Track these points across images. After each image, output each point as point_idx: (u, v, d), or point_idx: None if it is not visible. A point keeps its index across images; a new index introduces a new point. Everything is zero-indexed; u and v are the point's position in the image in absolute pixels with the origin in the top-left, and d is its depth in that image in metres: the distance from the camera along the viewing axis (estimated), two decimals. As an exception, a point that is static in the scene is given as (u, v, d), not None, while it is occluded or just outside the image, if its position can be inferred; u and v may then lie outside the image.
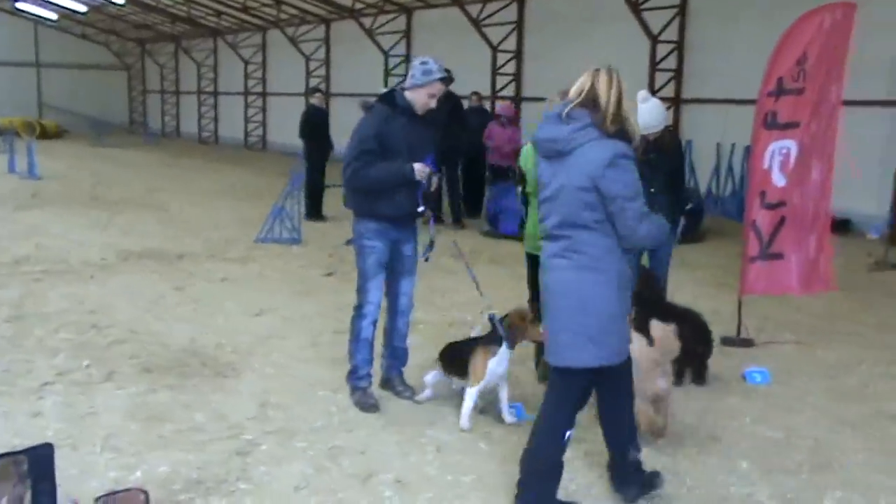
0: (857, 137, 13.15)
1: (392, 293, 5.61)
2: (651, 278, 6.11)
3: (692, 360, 5.86)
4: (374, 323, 5.52)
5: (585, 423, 4.68)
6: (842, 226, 13.11)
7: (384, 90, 5.49)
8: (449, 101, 12.98)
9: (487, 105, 17.09)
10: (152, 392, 5.56)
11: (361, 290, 5.46)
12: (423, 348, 6.26)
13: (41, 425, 4.96)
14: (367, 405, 5.41)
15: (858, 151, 13.15)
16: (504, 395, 5.28)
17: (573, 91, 3.82)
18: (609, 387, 4.14)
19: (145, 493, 2.38)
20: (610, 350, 3.92)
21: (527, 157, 5.66)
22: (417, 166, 5.21)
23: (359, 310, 5.49)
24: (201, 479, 4.34)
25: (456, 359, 5.33)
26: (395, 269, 5.52)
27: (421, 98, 5.26)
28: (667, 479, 4.50)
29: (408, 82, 5.27)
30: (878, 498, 4.37)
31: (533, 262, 5.54)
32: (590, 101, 3.77)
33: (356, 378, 5.55)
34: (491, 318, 5.20)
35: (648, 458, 4.77)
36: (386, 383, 5.75)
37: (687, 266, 9.08)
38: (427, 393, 5.55)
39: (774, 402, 5.69)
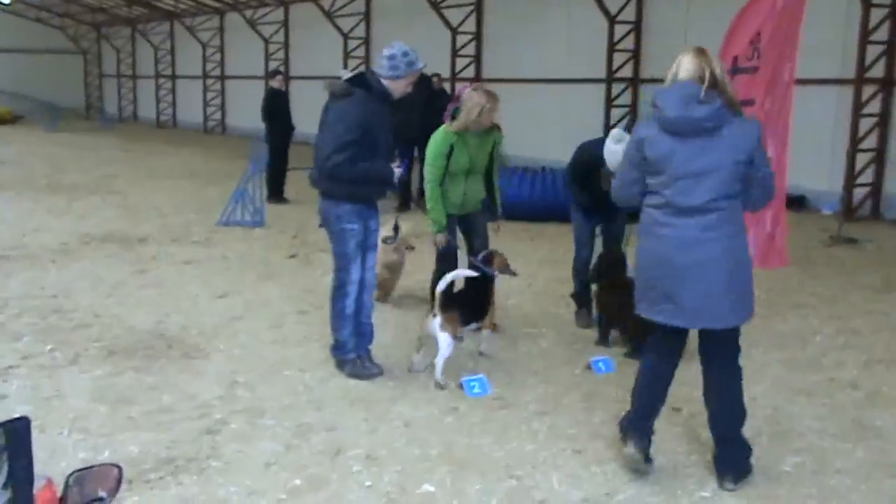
0: (809, 116, 13.46)
1: (358, 270, 5.63)
2: (614, 255, 6.45)
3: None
4: (356, 300, 5.61)
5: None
6: (797, 202, 13.42)
7: (346, 72, 5.49)
8: (423, 84, 13.02)
9: (448, 87, 17.10)
10: (118, 374, 5.56)
11: (344, 270, 5.51)
12: (385, 326, 6.34)
13: (7, 408, 4.93)
14: (366, 373, 5.55)
15: (811, 129, 13.48)
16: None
17: (696, 73, 3.98)
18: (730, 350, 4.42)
19: (118, 467, 2.38)
20: (753, 301, 4.28)
21: (444, 141, 6.14)
22: (396, 171, 5.42)
23: (341, 289, 5.54)
24: (171, 457, 4.37)
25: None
26: (363, 246, 5.59)
27: (400, 87, 5.36)
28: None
29: (388, 71, 5.26)
30: (833, 461, 4.53)
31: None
32: (714, 83, 3.96)
33: (345, 352, 5.63)
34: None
35: (613, 425, 4.89)
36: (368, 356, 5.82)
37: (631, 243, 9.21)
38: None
39: (733, 374, 5.83)
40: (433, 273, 6.47)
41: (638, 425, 4.32)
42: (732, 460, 4.31)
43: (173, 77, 33.43)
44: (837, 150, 13.18)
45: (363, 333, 5.74)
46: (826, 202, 12.95)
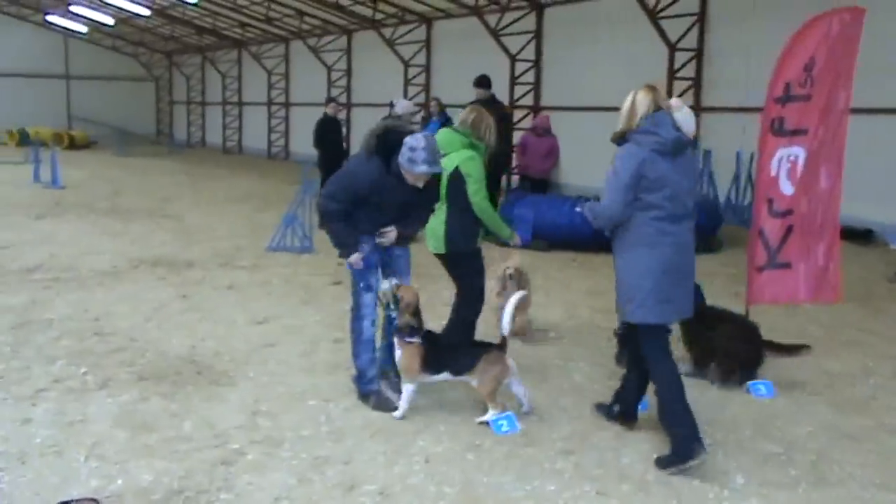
0: (877, 146, 13.00)
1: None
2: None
3: (737, 362, 6.06)
4: (374, 322, 5.57)
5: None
6: (863, 236, 12.92)
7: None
8: (495, 109, 12.89)
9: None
10: (144, 400, 5.54)
11: (356, 293, 5.52)
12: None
13: (29, 432, 4.95)
14: (389, 406, 5.41)
15: (880, 160, 12.99)
16: None
17: (652, 107, 4.69)
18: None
19: (96, 501, 2.33)
20: None
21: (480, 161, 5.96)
22: (353, 258, 5.35)
23: (356, 311, 5.54)
24: (182, 488, 4.30)
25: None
26: (386, 272, 5.57)
27: (408, 177, 5.26)
28: (658, 492, 4.41)
29: (400, 156, 5.17)
30: (875, 514, 4.25)
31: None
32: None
33: (365, 382, 5.57)
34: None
35: (642, 466, 4.68)
36: (381, 375, 5.77)
37: (701, 276, 8.90)
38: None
39: (776, 415, 5.56)
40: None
41: (696, 434, 4.67)
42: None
43: (240, 104, 34.08)
44: (906, 181, 12.69)
45: (391, 353, 5.67)
46: (894, 235, 12.46)
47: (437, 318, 6.82)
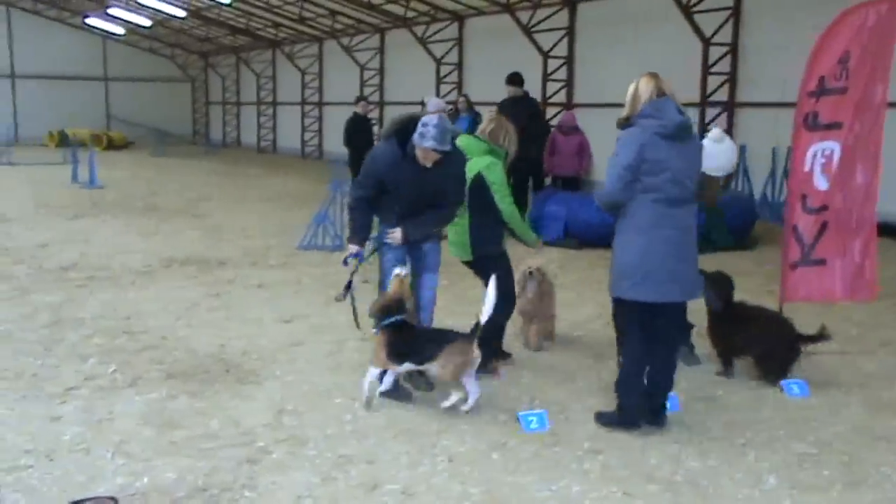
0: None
1: (416, 289, 5.78)
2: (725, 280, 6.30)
3: (770, 359, 6.01)
4: None
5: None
6: (902, 232, 12.63)
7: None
8: (526, 106, 12.81)
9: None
10: (172, 398, 5.56)
11: (381, 286, 5.66)
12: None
13: (57, 430, 4.99)
14: (402, 395, 5.53)
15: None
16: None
17: (655, 92, 4.81)
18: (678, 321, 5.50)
19: (114, 499, 2.34)
20: None
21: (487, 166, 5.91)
22: (350, 247, 5.64)
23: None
24: (206, 486, 4.31)
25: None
26: (416, 266, 5.72)
27: (420, 154, 5.33)
28: (686, 493, 4.34)
29: (415, 133, 5.26)
30: (910, 518, 4.13)
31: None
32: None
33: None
34: None
35: (670, 467, 4.61)
36: (409, 376, 5.80)
37: (735, 273, 8.75)
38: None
39: (810, 415, 5.44)
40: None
41: (643, 411, 5.07)
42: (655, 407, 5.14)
43: (274, 103, 34.30)
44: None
45: None
46: (934, 232, 12.20)
47: (453, 317, 6.82)
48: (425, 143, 5.20)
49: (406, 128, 5.33)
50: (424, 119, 5.25)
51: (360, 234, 5.62)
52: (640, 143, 4.73)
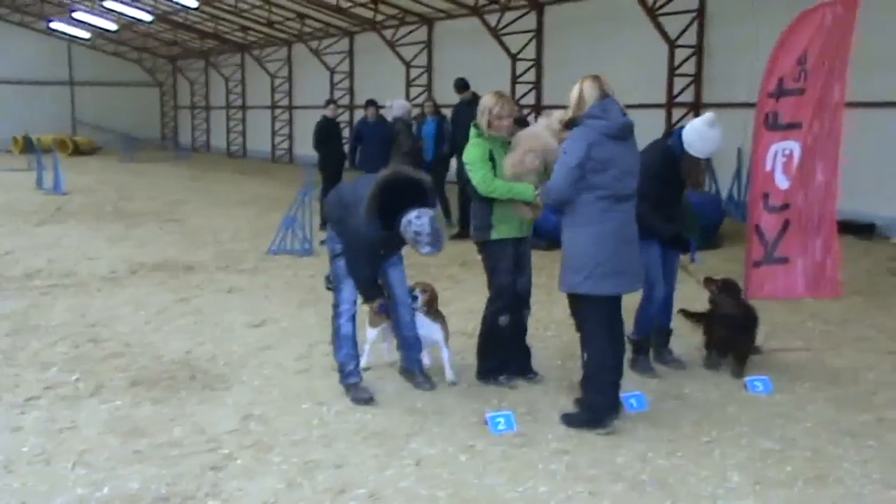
0: (879, 139, 12.89)
1: (386, 286, 5.83)
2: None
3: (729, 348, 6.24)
4: (353, 318, 5.71)
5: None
6: (866, 229, 12.82)
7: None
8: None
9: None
10: (136, 406, 5.50)
11: (336, 290, 5.68)
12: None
13: (17, 441, 4.91)
14: (362, 399, 5.57)
15: (882, 153, 12.89)
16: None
17: (599, 94, 5.05)
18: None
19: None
20: None
21: (481, 144, 5.71)
22: (377, 303, 5.69)
23: (335, 308, 5.71)
24: (169, 494, 4.26)
25: None
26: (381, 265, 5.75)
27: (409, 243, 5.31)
28: (652, 492, 4.36)
29: (403, 228, 5.14)
30: (872, 511, 4.18)
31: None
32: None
33: (345, 376, 5.72)
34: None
35: (637, 466, 4.63)
36: (406, 374, 5.98)
37: (703, 272, 8.83)
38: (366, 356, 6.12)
39: (774, 412, 5.49)
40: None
41: (615, 407, 5.21)
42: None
43: (244, 107, 34.10)
44: (909, 174, 12.58)
45: (409, 345, 5.91)
46: (896, 229, 12.38)
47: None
48: (423, 251, 5.13)
49: (386, 209, 5.15)
50: (416, 224, 5.06)
51: (376, 289, 5.63)
52: (588, 142, 4.92)
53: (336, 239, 5.62)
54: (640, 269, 5.31)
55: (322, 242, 5.82)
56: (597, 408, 5.15)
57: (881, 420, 5.33)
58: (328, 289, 5.85)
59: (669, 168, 6.01)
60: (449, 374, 5.96)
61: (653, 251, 5.98)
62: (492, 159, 5.69)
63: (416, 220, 5.08)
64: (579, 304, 5.33)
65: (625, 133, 5.04)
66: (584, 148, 4.93)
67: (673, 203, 6.13)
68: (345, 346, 5.69)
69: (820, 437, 5.07)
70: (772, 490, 4.39)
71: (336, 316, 5.69)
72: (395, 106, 12.98)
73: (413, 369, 5.95)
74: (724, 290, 6.40)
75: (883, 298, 8.71)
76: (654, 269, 6.04)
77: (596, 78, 5.09)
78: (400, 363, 6.10)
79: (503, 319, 5.85)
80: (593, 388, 5.18)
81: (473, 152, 5.73)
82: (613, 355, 5.20)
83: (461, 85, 13.08)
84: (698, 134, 5.90)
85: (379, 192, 5.16)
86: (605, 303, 5.12)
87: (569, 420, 5.22)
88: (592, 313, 5.17)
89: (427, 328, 5.96)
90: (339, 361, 5.72)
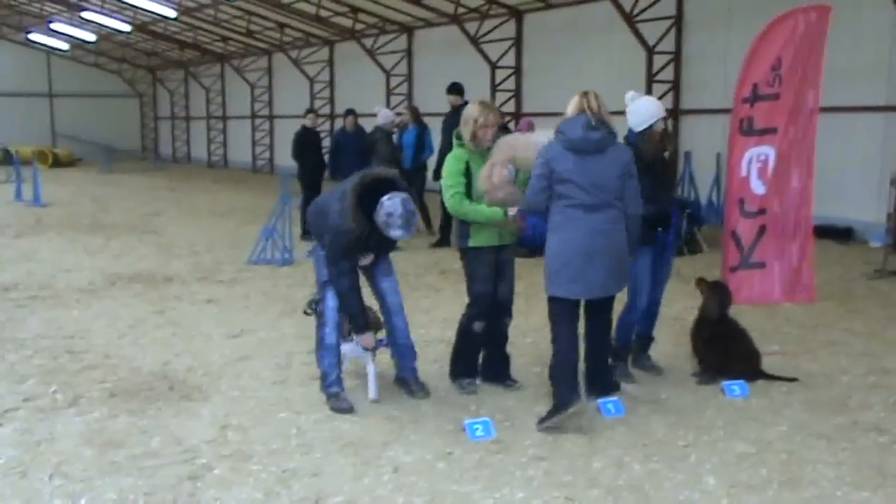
0: (856, 144, 13.04)
1: (378, 296, 5.87)
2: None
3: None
4: (337, 327, 5.67)
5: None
6: (843, 234, 12.95)
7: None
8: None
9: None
10: (113, 417, 5.48)
11: (321, 299, 5.67)
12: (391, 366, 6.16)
13: (-6, 453, 4.89)
14: (342, 409, 5.56)
15: (858, 158, 13.03)
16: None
17: (579, 109, 5.27)
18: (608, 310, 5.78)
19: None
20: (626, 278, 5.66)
21: (459, 158, 5.76)
22: (367, 338, 5.67)
23: (319, 318, 5.68)
24: (146, 505, 4.25)
25: None
26: (371, 273, 5.78)
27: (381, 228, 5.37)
28: (627, 497, 4.38)
29: (376, 214, 5.26)
30: (845, 513, 4.22)
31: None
32: (603, 115, 5.27)
33: (327, 385, 5.69)
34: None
35: (613, 471, 4.65)
36: (400, 382, 5.97)
37: (682, 277, 8.90)
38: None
39: (750, 416, 5.53)
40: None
41: (574, 388, 5.39)
42: (600, 379, 5.79)
43: (224, 118, 34.01)
44: (885, 179, 12.68)
45: (403, 354, 5.91)
46: (874, 233, 12.49)
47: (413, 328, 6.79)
48: (392, 234, 5.28)
49: (367, 206, 5.28)
50: (388, 207, 5.21)
51: (364, 317, 5.66)
52: (548, 157, 5.25)
53: (320, 245, 5.65)
54: (610, 279, 5.34)
55: (309, 254, 5.80)
56: (558, 392, 5.35)
57: (855, 423, 5.37)
58: (306, 313, 5.96)
59: (640, 160, 6.02)
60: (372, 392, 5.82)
61: (643, 259, 6.00)
62: (469, 171, 5.71)
63: (388, 202, 5.24)
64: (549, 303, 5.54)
65: (586, 147, 5.20)
66: (543, 162, 5.26)
67: (658, 191, 6.05)
68: (328, 355, 5.66)
69: (794, 441, 5.11)
70: (746, 493, 4.42)
71: (320, 325, 5.68)
72: (380, 115, 13.04)
73: (408, 377, 5.93)
74: (713, 290, 6.36)
75: (856, 303, 8.79)
76: (642, 278, 6.06)
77: (584, 94, 5.33)
78: (396, 372, 6.03)
79: (478, 325, 5.88)
80: (558, 376, 5.40)
81: (450, 165, 5.79)
82: (573, 351, 5.43)
83: (457, 90, 12.60)
84: (630, 115, 6.09)
85: (356, 186, 5.36)
86: (560, 304, 5.37)
87: (540, 422, 5.30)
88: (550, 313, 5.47)
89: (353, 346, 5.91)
90: (323, 371, 5.69)
